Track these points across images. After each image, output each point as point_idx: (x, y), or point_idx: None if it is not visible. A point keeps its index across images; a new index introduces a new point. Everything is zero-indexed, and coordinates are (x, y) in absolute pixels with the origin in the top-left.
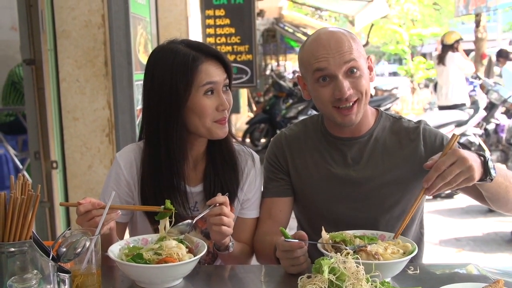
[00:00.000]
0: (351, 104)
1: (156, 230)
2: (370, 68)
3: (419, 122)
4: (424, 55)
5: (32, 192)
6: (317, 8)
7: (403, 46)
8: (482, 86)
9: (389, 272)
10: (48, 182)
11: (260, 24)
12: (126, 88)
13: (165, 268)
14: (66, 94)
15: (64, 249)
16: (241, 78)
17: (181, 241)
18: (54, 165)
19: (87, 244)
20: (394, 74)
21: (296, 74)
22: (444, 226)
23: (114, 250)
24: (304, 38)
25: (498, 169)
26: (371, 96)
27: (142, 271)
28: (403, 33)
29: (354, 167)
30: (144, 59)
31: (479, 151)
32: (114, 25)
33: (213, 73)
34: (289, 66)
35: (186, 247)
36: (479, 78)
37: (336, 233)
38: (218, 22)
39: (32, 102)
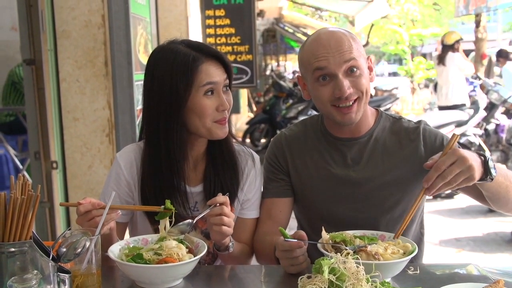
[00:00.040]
0: (351, 103)
1: (156, 230)
2: (370, 68)
3: (419, 122)
4: (424, 55)
5: (32, 192)
6: (317, 8)
7: (403, 46)
8: (482, 86)
9: (389, 272)
10: (48, 182)
11: (260, 24)
12: (126, 88)
13: (165, 268)
14: (66, 94)
15: (64, 249)
16: (241, 78)
17: (181, 241)
18: (54, 165)
19: (87, 244)
20: (394, 74)
21: (296, 74)
22: (444, 226)
23: (114, 250)
24: (304, 38)
25: (499, 169)
26: (371, 96)
27: (142, 271)
28: (403, 33)
29: (354, 167)
30: (144, 59)
31: (479, 151)
32: (114, 25)
33: (213, 73)
34: (289, 66)
35: (186, 247)
36: (479, 78)
37: (336, 233)
38: (218, 22)
39: (32, 102)
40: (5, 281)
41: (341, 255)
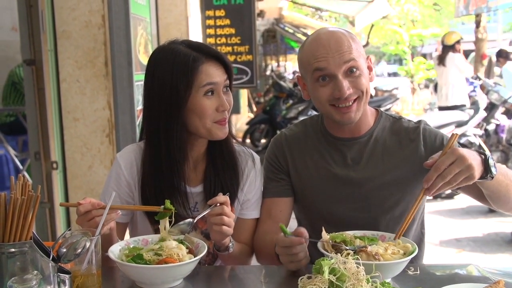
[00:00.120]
0: (350, 103)
1: (156, 231)
2: (370, 68)
3: (419, 122)
4: (424, 56)
5: (32, 192)
6: (317, 9)
7: (403, 46)
8: (482, 87)
9: (390, 272)
10: (48, 183)
11: (260, 25)
12: (126, 89)
13: (165, 268)
14: (66, 94)
15: (65, 250)
16: (241, 79)
17: (181, 242)
18: (55, 165)
19: (87, 244)
20: (394, 74)
21: (296, 75)
22: (445, 226)
23: (115, 251)
24: (304, 38)
25: (499, 167)
26: (371, 96)
27: (142, 271)
28: (403, 33)
29: (354, 167)
30: (144, 60)
31: (479, 149)
32: (114, 25)
33: (214, 73)
34: (289, 66)
35: (186, 248)
36: (479, 79)
37: (337, 233)
38: (218, 22)
39: (32, 102)
40: (5, 282)
41: (341, 256)
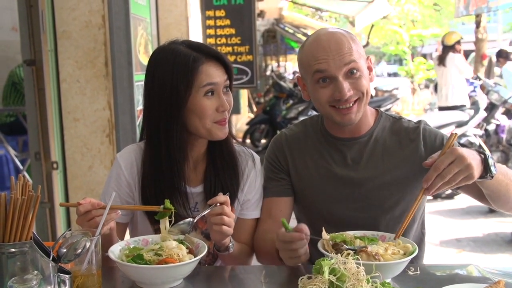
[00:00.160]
0: (351, 104)
1: (156, 231)
2: (370, 69)
3: (419, 122)
4: (424, 56)
5: (33, 192)
6: (317, 9)
7: (403, 46)
8: (482, 87)
9: (390, 272)
10: (48, 183)
11: (261, 25)
12: (126, 89)
13: (165, 269)
14: (66, 94)
15: (65, 250)
16: (241, 79)
17: (181, 242)
18: (55, 165)
19: (88, 244)
20: (395, 74)
21: (296, 75)
22: (445, 226)
23: (115, 251)
24: (304, 38)
25: (499, 167)
26: (371, 97)
27: (142, 271)
28: (404, 33)
29: (354, 167)
30: (144, 60)
31: (479, 149)
32: (115, 25)
33: (214, 74)
34: (290, 66)
35: (187, 248)
36: (480, 79)
37: (337, 233)
38: (219, 22)
39: (32, 102)
40: (5, 282)
41: (341, 256)
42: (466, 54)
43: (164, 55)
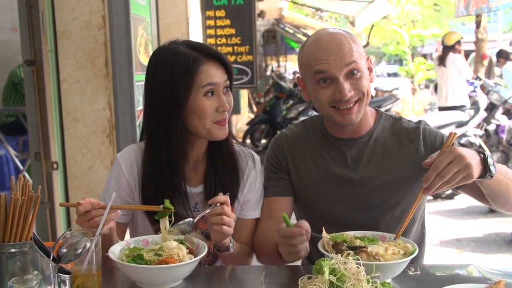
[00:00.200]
0: (351, 105)
1: (157, 231)
2: (370, 69)
3: (419, 122)
4: (424, 56)
5: (33, 193)
6: (317, 9)
7: (403, 47)
8: (482, 87)
9: (390, 273)
10: (48, 183)
11: (261, 25)
12: (126, 89)
13: (165, 269)
14: (66, 95)
15: (65, 250)
16: (241, 79)
17: (181, 242)
18: (55, 166)
19: (88, 245)
20: (395, 75)
21: (296, 75)
22: (445, 227)
23: (115, 251)
24: (304, 39)
25: (498, 167)
26: (372, 97)
27: (142, 272)
28: (404, 33)
29: (354, 167)
30: (144, 60)
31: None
32: (115, 26)
33: (214, 74)
34: (290, 67)
35: (187, 248)
36: (480, 79)
37: (337, 234)
38: (219, 23)
39: (32, 103)
40: (5, 282)
41: (341, 256)
42: (467, 54)
43: (164, 55)
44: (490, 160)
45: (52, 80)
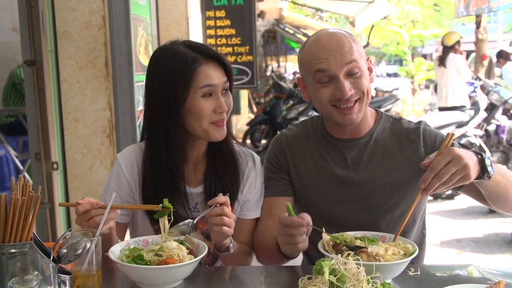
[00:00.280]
0: (352, 104)
1: (157, 231)
2: (370, 69)
3: (419, 123)
4: (424, 56)
5: (33, 193)
6: (317, 9)
7: (403, 47)
8: (482, 87)
9: (390, 273)
10: (48, 183)
11: (261, 25)
12: (126, 89)
13: (165, 269)
14: (66, 95)
15: (65, 250)
16: (241, 79)
17: (181, 242)
18: (55, 166)
19: (88, 245)
20: (395, 75)
21: (296, 76)
22: (445, 227)
23: (115, 251)
24: (304, 39)
25: (497, 168)
26: (372, 97)
27: (142, 272)
28: (404, 34)
29: (354, 168)
30: (144, 60)
31: (477, 150)
32: (115, 26)
33: (212, 75)
34: (290, 67)
35: (187, 248)
36: (480, 79)
37: (337, 234)
38: (219, 23)
39: (32, 103)
40: (5, 282)
41: (341, 256)
42: (466, 54)
43: (164, 55)
44: (487, 161)
45: (52, 80)
